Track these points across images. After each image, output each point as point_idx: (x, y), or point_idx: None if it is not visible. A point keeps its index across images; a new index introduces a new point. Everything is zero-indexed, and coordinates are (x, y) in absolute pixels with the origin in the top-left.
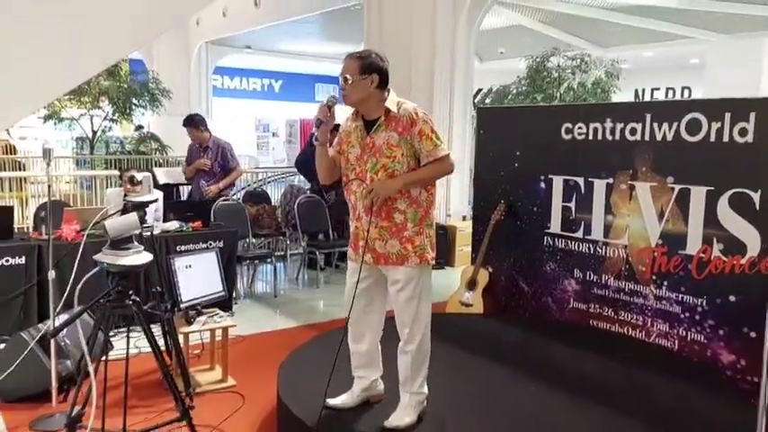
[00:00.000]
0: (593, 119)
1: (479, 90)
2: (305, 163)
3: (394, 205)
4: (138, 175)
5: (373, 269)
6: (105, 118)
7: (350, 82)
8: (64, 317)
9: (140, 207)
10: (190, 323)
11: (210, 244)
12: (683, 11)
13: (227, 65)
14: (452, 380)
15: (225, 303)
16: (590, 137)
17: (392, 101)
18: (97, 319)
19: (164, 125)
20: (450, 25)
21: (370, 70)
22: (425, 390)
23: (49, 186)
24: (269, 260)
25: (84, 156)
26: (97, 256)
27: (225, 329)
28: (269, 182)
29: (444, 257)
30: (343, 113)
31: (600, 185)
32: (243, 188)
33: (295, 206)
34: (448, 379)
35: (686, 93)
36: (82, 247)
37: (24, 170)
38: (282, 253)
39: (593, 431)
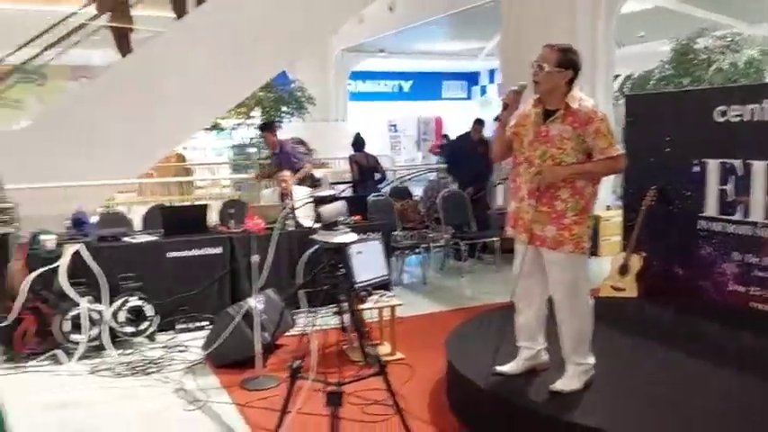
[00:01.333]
0: (751, 100)
1: (617, 76)
2: (451, 156)
3: (557, 193)
4: (318, 174)
5: (534, 250)
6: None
7: (544, 71)
8: (259, 297)
9: (324, 201)
10: (363, 302)
11: (370, 235)
12: None
13: (360, 69)
14: (613, 362)
15: (385, 287)
16: (747, 118)
17: (574, 97)
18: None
19: (307, 130)
20: (590, 12)
21: (568, 65)
22: (590, 360)
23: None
24: (417, 250)
25: (239, 161)
26: (315, 236)
27: (393, 308)
28: (407, 179)
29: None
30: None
31: (759, 167)
32: (388, 183)
33: (438, 200)
34: (609, 362)
35: None
36: (276, 236)
37: (191, 175)
38: (427, 245)
39: (755, 415)
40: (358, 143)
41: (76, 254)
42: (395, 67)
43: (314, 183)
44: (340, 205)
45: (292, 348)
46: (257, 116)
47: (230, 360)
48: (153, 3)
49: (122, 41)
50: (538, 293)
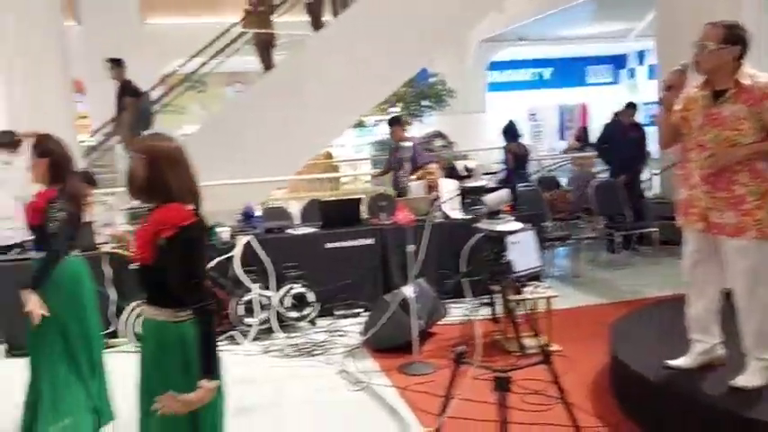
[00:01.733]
0: None
1: None
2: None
3: (734, 177)
4: (471, 164)
5: (708, 239)
6: None
7: (708, 50)
8: (409, 287)
9: (475, 191)
10: (518, 293)
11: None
12: None
13: (499, 59)
14: None
15: (537, 278)
16: None
17: (745, 73)
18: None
19: (446, 123)
20: None
21: (734, 41)
22: None
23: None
24: (568, 242)
25: (380, 157)
26: (478, 224)
27: (548, 299)
28: (553, 168)
29: None
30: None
31: None
32: (534, 172)
33: (589, 189)
34: None
35: None
36: (429, 227)
37: (338, 171)
38: (578, 236)
39: None
40: (512, 132)
41: (247, 244)
42: (534, 55)
43: (467, 174)
44: (504, 194)
45: (446, 336)
46: (397, 112)
47: (387, 345)
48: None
49: (264, 56)
50: (711, 284)
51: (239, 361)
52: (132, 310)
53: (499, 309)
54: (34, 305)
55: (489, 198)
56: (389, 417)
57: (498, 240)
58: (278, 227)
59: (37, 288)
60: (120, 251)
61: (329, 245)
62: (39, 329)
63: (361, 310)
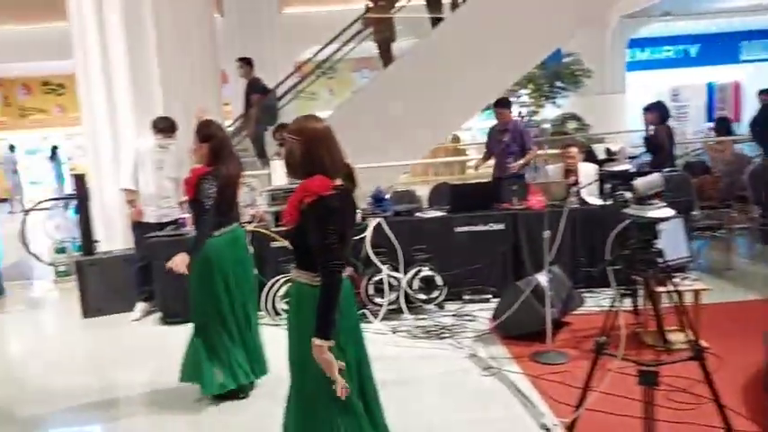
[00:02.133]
0: None
1: None
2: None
3: None
4: (614, 147)
5: None
6: (525, 105)
7: None
8: (543, 274)
9: (617, 177)
10: (664, 284)
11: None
12: None
13: (640, 36)
14: None
15: (682, 270)
16: None
17: None
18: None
19: (582, 104)
20: None
21: None
22: None
23: None
24: (718, 232)
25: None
26: (627, 210)
27: (697, 292)
28: (698, 152)
29: None
30: None
31: None
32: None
33: (745, 176)
34: None
35: None
36: (566, 213)
37: (465, 155)
38: (730, 226)
39: None
40: (661, 112)
41: (377, 226)
42: (680, 31)
43: (608, 158)
44: (656, 178)
45: (579, 327)
46: (526, 94)
47: (519, 332)
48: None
49: (384, 52)
50: None
51: (369, 338)
52: (272, 286)
53: (641, 300)
54: (179, 261)
55: (640, 182)
56: (522, 405)
57: (648, 228)
58: (407, 210)
59: (192, 255)
60: (261, 230)
61: (459, 229)
62: (198, 294)
63: (490, 295)
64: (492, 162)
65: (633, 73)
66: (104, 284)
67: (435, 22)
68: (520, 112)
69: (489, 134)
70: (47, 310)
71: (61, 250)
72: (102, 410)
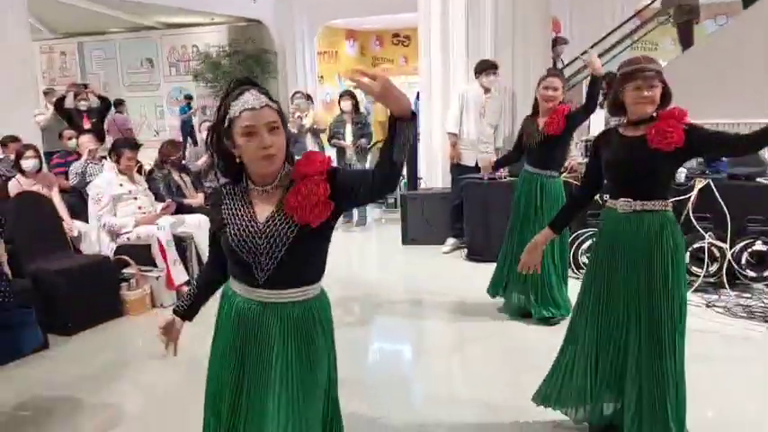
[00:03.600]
0: None
1: None
2: None
3: None
4: None
5: None
6: None
7: None
8: None
9: None
10: None
11: None
12: None
13: None
14: None
15: None
16: None
17: None
18: None
19: None
20: None
21: None
22: None
23: None
24: None
25: None
26: None
27: None
28: None
29: None
30: None
31: None
32: None
33: None
34: None
35: None
36: None
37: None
38: None
39: None
40: None
41: (705, 188)
42: None
43: None
44: None
45: None
46: None
47: None
48: None
49: (685, 36)
50: None
51: None
52: (576, 240)
53: None
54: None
55: None
56: None
57: None
58: (747, 174)
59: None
60: (572, 180)
61: None
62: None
63: None
64: None
65: None
66: (422, 217)
67: None
68: None
69: None
70: (374, 234)
71: None
72: (413, 318)
